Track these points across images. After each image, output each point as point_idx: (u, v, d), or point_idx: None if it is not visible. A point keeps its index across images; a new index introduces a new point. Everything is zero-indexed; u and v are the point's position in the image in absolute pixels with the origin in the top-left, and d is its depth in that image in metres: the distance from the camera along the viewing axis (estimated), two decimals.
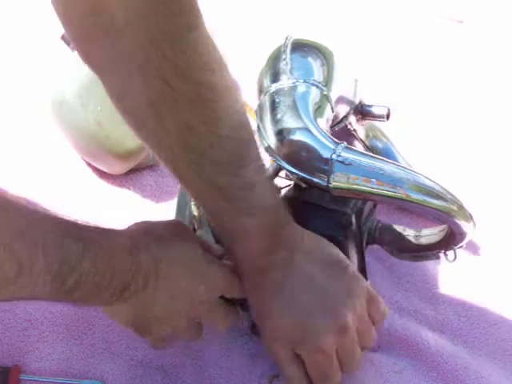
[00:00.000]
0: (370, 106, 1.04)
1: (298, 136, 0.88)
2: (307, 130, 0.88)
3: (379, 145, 1.09)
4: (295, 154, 0.88)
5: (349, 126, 1.04)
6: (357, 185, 0.85)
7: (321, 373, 0.86)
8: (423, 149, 1.15)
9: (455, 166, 1.14)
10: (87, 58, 0.80)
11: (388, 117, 1.04)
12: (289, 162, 0.88)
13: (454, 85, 1.25)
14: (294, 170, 0.88)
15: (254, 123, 1.08)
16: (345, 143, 0.87)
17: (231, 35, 1.27)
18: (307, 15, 1.31)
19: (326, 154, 0.86)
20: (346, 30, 1.30)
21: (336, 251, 0.87)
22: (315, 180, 0.87)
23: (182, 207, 0.97)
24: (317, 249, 0.86)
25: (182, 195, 0.97)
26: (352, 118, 1.04)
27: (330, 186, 0.86)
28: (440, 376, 0.93)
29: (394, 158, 1.07)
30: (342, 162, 0.85)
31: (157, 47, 0.75)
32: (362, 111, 1.04)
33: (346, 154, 0.85)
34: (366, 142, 1.09)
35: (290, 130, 0.89)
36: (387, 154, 1.07)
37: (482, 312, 1.00)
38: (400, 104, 1.16)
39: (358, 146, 1.08)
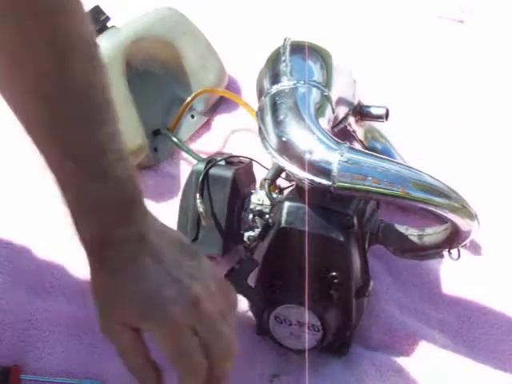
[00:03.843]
0: (368, 106, 1.04)
1: (300, 137, 0.88)
2: (310, 131, 0.88)
3: (378, 146, 1.10)
4: (298, 156, 0.87)
5: (348, 127, 1.05)
6: (361, 185, 0.85)
7: (176, 352, 0.77)
8: (422, 149, 1.15)
9: (455, 166, 1.14)
10: None
11: (387, 117, 1.04)
12: (292, 164, 0.88)
13: (454, 85, 1.25)
14: (297, 172, 0.88)
15: (255, 124, 1.08)
16: (348, 143, 0.87)
17: (231, 35, 1.28)
18: (306, 15, 1.31)
19: (329, 155, 0.86)
20: (346, 29, 1.30)
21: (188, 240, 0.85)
22: (319, 181, 0.86)
23: (184, 209, 0.97)
24: (169, 230, 0.82)
25: (185, 198, 0.97)
26: (351, 119, 1.04)
27: (335, 186, 0.86)
28: (440, 375, 0.93)
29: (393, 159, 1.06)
30: (346, 162, 0.85)
31: None
32: (360, 112, 1.04)
33: (349, 154, 0.86)
34: (365, 144, 1.09)
35: (292, 132, 0.88)
36: (386, 154, 1.07)
37: (482, 312, 1.00)
38: (400, 104, 1.16)
39: (358, 147, 1.08)
